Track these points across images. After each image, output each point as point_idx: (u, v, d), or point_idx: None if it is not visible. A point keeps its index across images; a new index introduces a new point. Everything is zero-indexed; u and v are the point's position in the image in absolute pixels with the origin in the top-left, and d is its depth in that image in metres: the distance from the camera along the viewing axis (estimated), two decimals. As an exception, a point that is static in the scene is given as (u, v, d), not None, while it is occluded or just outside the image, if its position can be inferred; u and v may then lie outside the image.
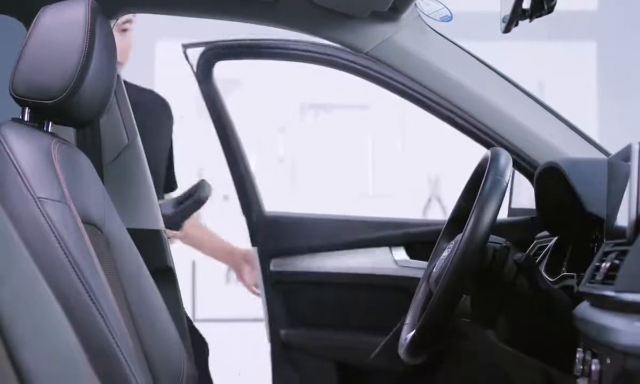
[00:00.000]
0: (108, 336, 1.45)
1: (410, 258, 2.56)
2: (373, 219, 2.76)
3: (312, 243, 2.63)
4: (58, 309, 1.07)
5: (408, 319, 1.83)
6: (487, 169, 1.62)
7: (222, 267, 3.51)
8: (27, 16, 1.82)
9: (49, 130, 1.68)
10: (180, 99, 3.81)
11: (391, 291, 2.49)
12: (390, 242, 2.61)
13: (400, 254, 2.59)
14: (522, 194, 2.32)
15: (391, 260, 2.57)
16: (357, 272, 2.59)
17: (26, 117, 1.62)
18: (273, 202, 2.72)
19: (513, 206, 2.43)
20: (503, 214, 2.43)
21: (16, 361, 0.94)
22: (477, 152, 1.86)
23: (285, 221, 2.69)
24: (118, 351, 1.46)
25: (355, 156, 5.01)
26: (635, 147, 1.32)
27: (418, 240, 2.58)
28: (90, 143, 2.11)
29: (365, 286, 2.59)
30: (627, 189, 1.32)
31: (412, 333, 1.71)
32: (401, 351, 1.75)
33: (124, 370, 1.46)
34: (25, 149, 1.52)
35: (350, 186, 4.71)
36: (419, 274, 1.95)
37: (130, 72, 2.60)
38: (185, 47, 2.45)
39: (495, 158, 1.64)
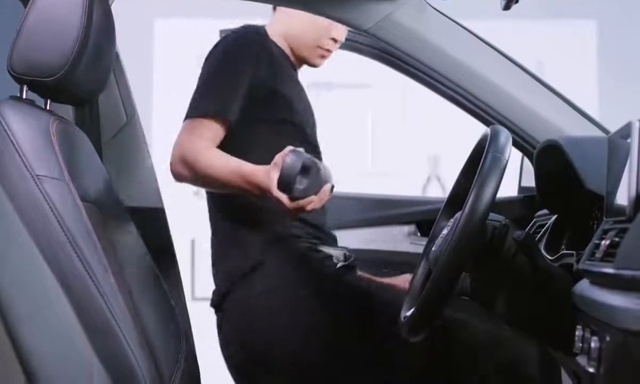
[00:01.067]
0: (107, 315, 1.45)
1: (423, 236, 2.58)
2: (373, 196, 2.76)
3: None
4: (57, 287, 1.07)
5: (408, 297, 1.83)
6: (486, 146, 1.62)
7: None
8: (25, -7, 1.81)
9: (48, 108, 1.67)
10: (179, 77, 3.80)
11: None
12: (391, 221, 2.63)
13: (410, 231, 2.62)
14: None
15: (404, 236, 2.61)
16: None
17: (24, 95, 1.62)
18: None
19: (523, 184, 2.43)
20: (512, 193, 2.44)
21: (15, 338, 0.94)
22: (476, 131, 1.85)
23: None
24: (117, 329, 1.46)
25: (356, 134, 5.01)
26: (636, 125, 1.32)
27: (419, 219, 2.59)
28: (89, 121, 2.10)
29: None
30: (627, 166, 1.32)
31: (412, 310, 1.71)
32: (401, 328, 1.75)
33: (123, 348, 1.46)
34: (24, 127, 1.51)
35: (351, 164, 4.70)
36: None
37: (130, 50, 2.59)
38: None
39: (494, 136, 1.63)
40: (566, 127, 2.12)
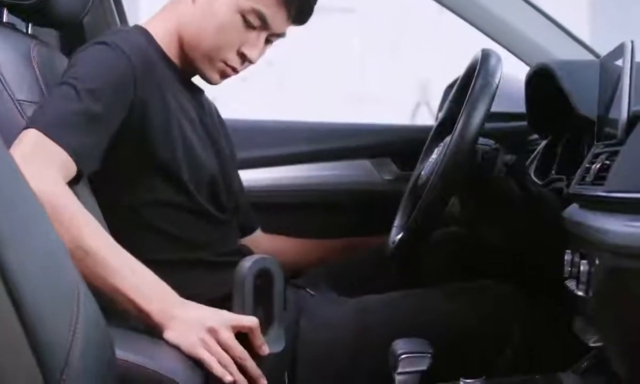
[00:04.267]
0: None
1: (401, 170, 2.37)
2: (351, 125, 2.51)
3: (272, 153, 2.31)
4: (39, 208, 1.06)
5: (397, 221, 1.83)
6: (477, 70, 1.60)
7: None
8: None
9: (29, 32, 1.64)
10: None
11: (378, 210, 2.09)
12: (374, 152, 2.41)
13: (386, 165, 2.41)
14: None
15: (376, 173, 2.40)
16: (335, 187, 2.35)
17: (5, 19, 1.58)
18: (262, 106, 2.65)
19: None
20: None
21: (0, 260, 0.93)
22: (468, 55, 1.83)
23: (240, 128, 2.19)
24: None
25: (343, 60, 4.97)
26: (628, 46, 1.30)
27: (406, 149, 2.35)
28: (74, 46, 2.07)
29: (344, 204, 2.34)
30: (619, 88, 1.30)
31: (401, 234, 1.70)
32: (389, 251, 1.75)
33: None
34: (4, 51, 1.48)
35: (338, 90, 4.67)
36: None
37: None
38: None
39: (485, 59, 1.62)
40: (557, 51, 2.10)
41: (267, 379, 1.32)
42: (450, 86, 2.22)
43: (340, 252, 1.99)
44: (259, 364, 1.31)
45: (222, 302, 1.39)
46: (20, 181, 1.02)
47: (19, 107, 1.44)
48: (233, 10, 1.62)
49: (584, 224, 1.25)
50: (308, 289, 1.78)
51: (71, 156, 1.39)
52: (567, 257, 1.36)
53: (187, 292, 1.40)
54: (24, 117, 1.43)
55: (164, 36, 1.66)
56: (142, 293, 1.36)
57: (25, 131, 1.38)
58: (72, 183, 1.40)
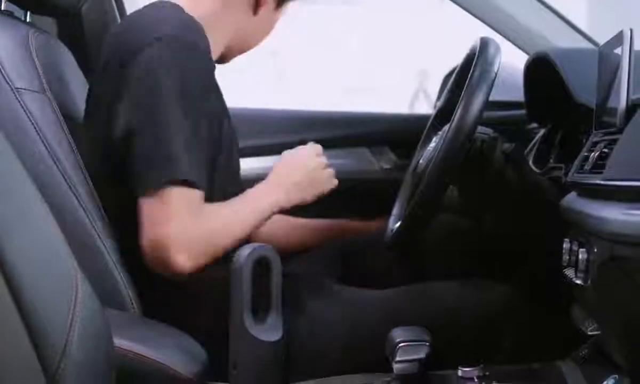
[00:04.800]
0: (90, 230, 1.44)
1: (399, 159, 2.39)
2: (350, 114, 2.53)
3: (270, 141, 2.28)
4: (39, 199, 1.05)
5: (395, 210, 1.83)
6: (475, 58, 1.59)
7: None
8: None
9: (28, 20, 1.63)
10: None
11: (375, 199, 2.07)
12: (373, 141, 2.41)
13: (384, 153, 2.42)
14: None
15: (374, 161, 2.41)
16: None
17: (3, 6, 1.58)
18: (261, 95, 2.63)
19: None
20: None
21: (-3, 248, 0.92)
22: (466, 44, 1.83)
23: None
24: (101, 245, 1.45)
25: (342, 50, 4.96)
26: (627, 34, 1.29)
27: (404, 138, 2.33)
28: (73, 35, 2.06)
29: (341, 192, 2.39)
30: (618, 77, 1.30)
31: (399, 223, 1.70)
32: (387, 240, 1.75)
33: (108, 264, 1.46)
34: (2, 39, 1.47)
35: (337, 80, 4.66)
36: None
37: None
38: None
39: (483, 48, 1.61)
40: (556, 40, 2.09)
41: (264, 369, 1.32)
42: (449, 75, 2.21)
43: (324, 234, 1.99)
44: (255, 353, 1.31)
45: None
46: (17, 169, 1.02)
47: (18, 96, 1.43)
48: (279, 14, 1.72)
49: (582, 213, 1.25)
50: (303, 278, 1.78)
51: (195, 188, 1.46)
52: (566, 245, 1.36)
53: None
54: (23, 105, 1.43)
55: (215, 43, 1.62)
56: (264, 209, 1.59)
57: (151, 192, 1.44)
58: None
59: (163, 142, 1.43)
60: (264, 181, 1.63)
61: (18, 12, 1.63)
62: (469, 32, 2.14)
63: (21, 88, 1.44)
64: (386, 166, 2.39)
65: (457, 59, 1.89)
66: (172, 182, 1.44)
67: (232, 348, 1.32)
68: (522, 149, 1.79)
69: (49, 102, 1.48)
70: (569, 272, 1.34)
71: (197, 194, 1.47)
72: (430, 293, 1.67)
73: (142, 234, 1.46)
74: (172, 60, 1.46)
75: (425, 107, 4.89)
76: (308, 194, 1.68)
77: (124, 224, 1.49)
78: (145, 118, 1.45)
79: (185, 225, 1.44)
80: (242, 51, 1.75)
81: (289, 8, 1.76)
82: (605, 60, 1.41)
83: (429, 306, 1.62)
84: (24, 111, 1.42)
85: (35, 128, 1.43)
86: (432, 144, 1.67)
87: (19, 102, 1.43)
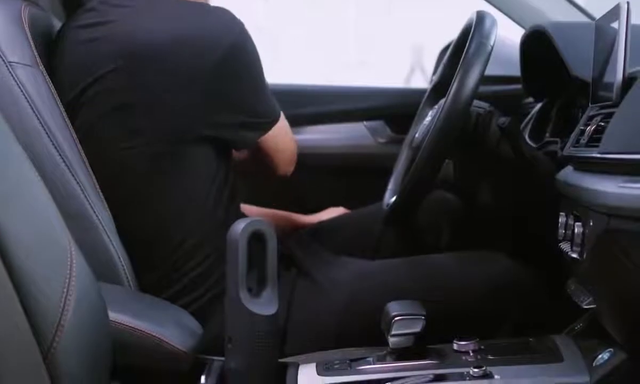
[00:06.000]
0: (84, 202, 1.44)
1: (394, 133, 2.38)
2: (345, 88, 2.52)
3: None
4: (32, 171, 1.05)
5: (390, 184, 1.82)
6: (471, 32, 1.59)
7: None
8: None
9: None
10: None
11: (371, 173, 2.07)
12: (368, 115, 2.41)
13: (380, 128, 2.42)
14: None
15: (370, 136, 2.41)
16: (329, 150, 2.36)
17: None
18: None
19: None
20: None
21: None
22: (463, 18, 1.82)
23: None
24: (95, 217, 1.45)
25: (338, 24, 4.94)
26: (623, 6, 1.29)
27: (400, 112, 2.33)
28: (67, 9, 2.05)
29: (338, 167, 2.35)
30: (614, 51, 1.29)
31: (394, 198, 1.70)
32: (383, 215, 1.75)
33: (102, 237, 1.46)
34: None
35: (332, 54, 4.64)
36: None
37: None
38: None
39: (480, 21, 1.60)
40: (552, 13, 2.08)
41: (260, 343, 1.32)
42: (445, 49, 2.20)
43: None
44: (250, 327, 1.31)
45: None
46: (11, 144, 1.01)
47: (11, 69, 1.42)
48: None
49: (578, 186, 1.25)
50: (300, 252, 1.78)
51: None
52: (561, 219, 1.36)
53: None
54: (16, 79, 1.42)
55: None
56: None
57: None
58: None
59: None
60: None
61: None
62: (465, 6, 2.13)
63: (14, 62, 1.43)
64: (382, 140, 2.38)
65: (453, 34, 1.88)
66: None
67: (227, 322, 1.31)
68: (518, 124, 1.79)
69: (42, 75, 1.48)
70: (565, 246, 1.34)
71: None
72: (428, 264, 1.67)
73: (275, 166, 1.74)
74: None
75: (422, 82, 4.87)
76: None
77: (122, 201, 1.50)
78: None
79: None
80: None
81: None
82: (601, 34, 1.40)
83: (427, 278, 1.62)
84: (17, 85, 1.41)
85: (28, 102, 1.42)
86: (428, 118, 1.67)
87: (12, 75, 1.42)
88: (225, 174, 1.60)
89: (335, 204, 2.16)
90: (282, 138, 1.73)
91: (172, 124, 1.48)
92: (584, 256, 1.25)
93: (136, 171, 1.50)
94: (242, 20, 1.56)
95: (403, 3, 4.83)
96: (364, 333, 1.48)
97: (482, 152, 1.62)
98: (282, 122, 1.70)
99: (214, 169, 1.56)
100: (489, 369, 1.29)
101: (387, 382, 1.30)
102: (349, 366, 1.36)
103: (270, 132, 1.65)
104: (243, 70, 1.55)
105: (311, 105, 2.35)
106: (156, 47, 1.46)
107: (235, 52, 1.51)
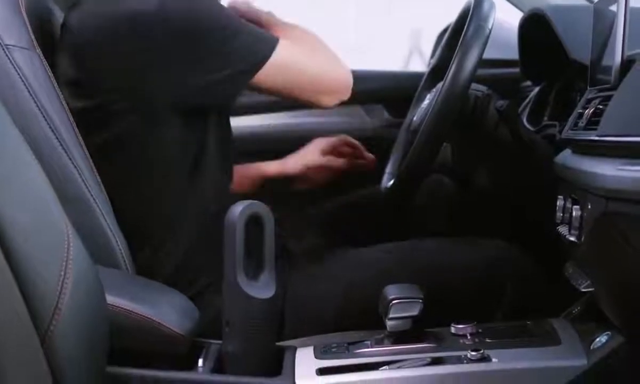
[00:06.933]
0: (82, 186, 1.43)
1: (392, 117, 2.40)
2: None
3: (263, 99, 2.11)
4: (29, 155, 1.05)
5: (388, 168, 1.82)
6: (469, 15, 1.58)
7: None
8: None
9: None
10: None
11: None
12: (366, 98, 2.42)
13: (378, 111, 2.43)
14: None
15: (368, 119, 2.42)
16: (327, 133, 2.18)
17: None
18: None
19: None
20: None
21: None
22: (460, 1, 1.81)
23: None
24: (93, 201, 1.44)
25: (337, 8, 4.92)
26: (623, -12, 1.28)
27: (398, 96, 2.33)
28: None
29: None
30: (612, 34, 1.29)
31: (392, 181, 1.70)
32: (381, 198, 1.75)
33: (99, 221, 1.45)
34: None
35: (330, 38, 4.60)
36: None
37: None
38: None
39: (478, 4, 1.60)
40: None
41: (257, 326, 1.32)
42: (443, 33, 2.20)
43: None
44: (248, 311, 1.31)
45: None
46: (8, 127, 1.01)
47: (7, 52, 1.42)
48: None
49: (576, 169, 1.25)
50: (298, 237, 1.78)
51: None
52: (559, 202, 1.36)
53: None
54: (12, 62, 1.41)
55: None
56: None
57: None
58: None
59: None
60: None
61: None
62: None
63: (10, 45, 1.42)
64: (380, 124, 2.38)
65: (451, 17, 1.88)
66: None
67: (224, 306, 1.31)
68: (516, 107, 1.79)
69: (39, 58, 1.47)
70: (563, 229, 1.34)
71: None
72: (426, 248, 1.67)
73: (305, 100, 1.64)
74: None
75: (420, 66, 4.85)
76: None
77: (118, 186, 1.50)
78: None
79: None
80: None
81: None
82: (600, 17, 1.40)
83: (424, 263, 1.62)
84: (14, 68, 1.41)
85: (25, 85, 1.41)
86: (426, 102, 1.66)
87: (9, 58, 1.41)
88: (203, 143, 1.55)
89: (333, 186, 2.13)
90: (286, 71, 1.58)
91: (145, 97, 1.48)
92: (582, 239, 1.25)
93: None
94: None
95: (403, 3, 4.81)
96: (362, 318, 1.48)
97: (480, 136, 1.62)
98: (279, 56, 1.55)
99: (192, 139, 1.53)
100: (487, 352, 1.29)
101: (384, 365, 1.30)
102: (347, 349, 1.36)
103: (263, 73, 1.53)
104: (181, 31, 1.46)
105: None
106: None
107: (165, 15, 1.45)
